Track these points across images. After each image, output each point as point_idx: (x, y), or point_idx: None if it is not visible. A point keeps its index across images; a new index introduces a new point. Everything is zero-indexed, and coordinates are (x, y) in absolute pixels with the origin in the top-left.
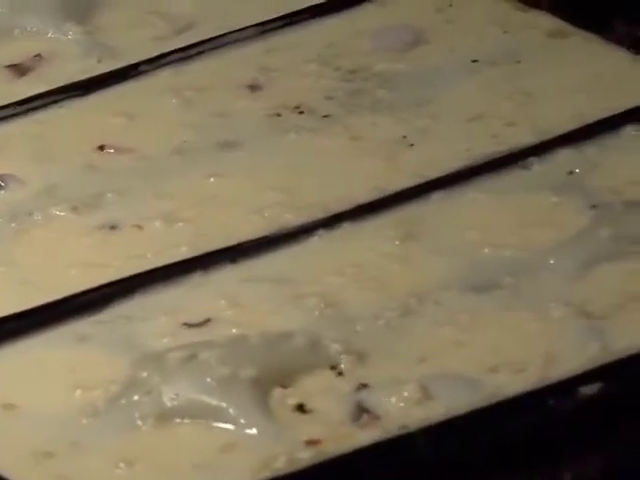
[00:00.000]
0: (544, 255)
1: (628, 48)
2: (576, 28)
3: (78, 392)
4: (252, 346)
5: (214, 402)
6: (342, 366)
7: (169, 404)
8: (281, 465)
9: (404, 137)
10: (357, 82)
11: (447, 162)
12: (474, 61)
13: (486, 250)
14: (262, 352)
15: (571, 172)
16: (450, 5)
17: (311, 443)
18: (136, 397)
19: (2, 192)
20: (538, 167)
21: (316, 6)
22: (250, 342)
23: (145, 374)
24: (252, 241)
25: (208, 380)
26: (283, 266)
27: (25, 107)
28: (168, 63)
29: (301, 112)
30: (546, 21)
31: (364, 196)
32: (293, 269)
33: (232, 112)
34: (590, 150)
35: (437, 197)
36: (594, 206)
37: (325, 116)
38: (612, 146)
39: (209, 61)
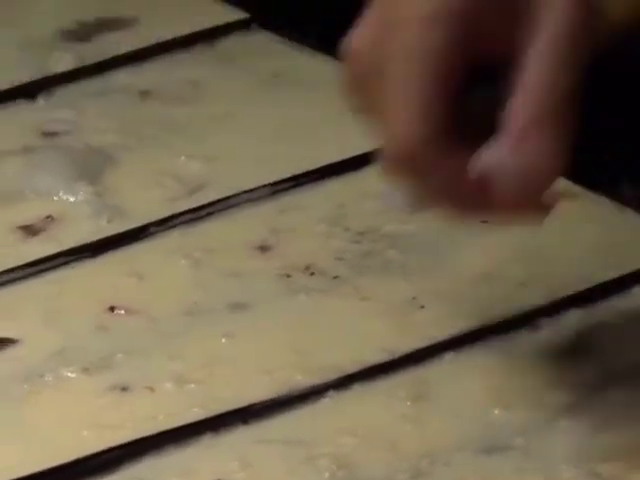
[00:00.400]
0: (555, 416)
1: (635, 209)
2: (584, 189)
3: None
4: None
5: None
6: None
7: None
8: None
9: (414, 298)
10: (366, 243)
11: (457, 323)
12: (484, 221)
13: (496, 411)
14: None
15: (580, 334)
16: None
17: None
18: None
19: (13, 354)
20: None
21: (326, 167)
22: None
23: None
24: (263, 402)
25: None
26: (294, 427)
27: (36, 268)
28: (178, 224)
29: (311, 273)
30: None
31: (374, 357)
32: (304, 430)
33: (242, 273)
34: (599, 311)
35: (448, 358)
36: (603, 369)
37: (335, 277)
38: (621, 308)
39: (219, 222)
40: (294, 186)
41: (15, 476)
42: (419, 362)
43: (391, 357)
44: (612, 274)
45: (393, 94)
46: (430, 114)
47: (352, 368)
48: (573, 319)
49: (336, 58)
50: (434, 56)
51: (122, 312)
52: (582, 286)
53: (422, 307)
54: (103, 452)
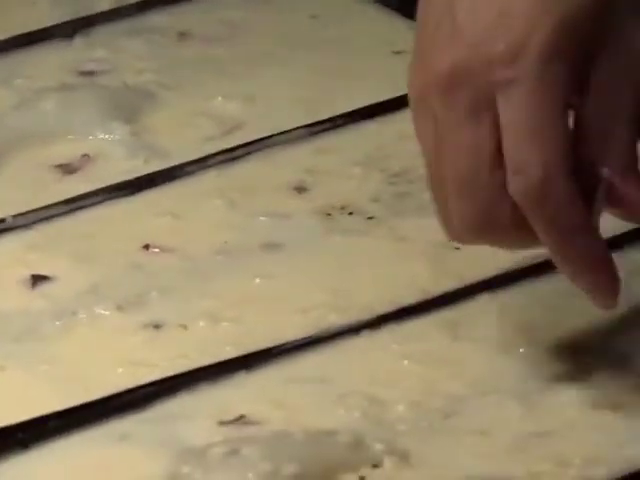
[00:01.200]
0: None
1: None
2: None
3: None
4: (294, 443)
5: None
6: (385, 465)
7: None
8: None
9: (450, 240)
10: (403, 185)
11: (491, 264)
12: None
13: (521, 350)
14: (305, 449)
15: None
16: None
17: None
18: None
19: (47, 291)
20: None
21: (363, 109)
22: (292, 439)
23: (186, 470)
24: (296, 341)
25: (250, 475)
26: (327, 366)
27: (71, 206)
28: (214, 164)
29: (348, 214)
30: None
31: (409, 298)
32: (337, 369)
33: (277, 213)
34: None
35: (482, 300)
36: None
37: (371, 218)
38: None
39: (256, 162)
40: (331, 127)
41: (48, 411)
42: (453, 303)
43: (425, 297)
44: None
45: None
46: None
47: (386, 308)
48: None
49: (374, 1)
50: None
51: (157, 250)
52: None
53: (457, 249)
54: (136, 389)
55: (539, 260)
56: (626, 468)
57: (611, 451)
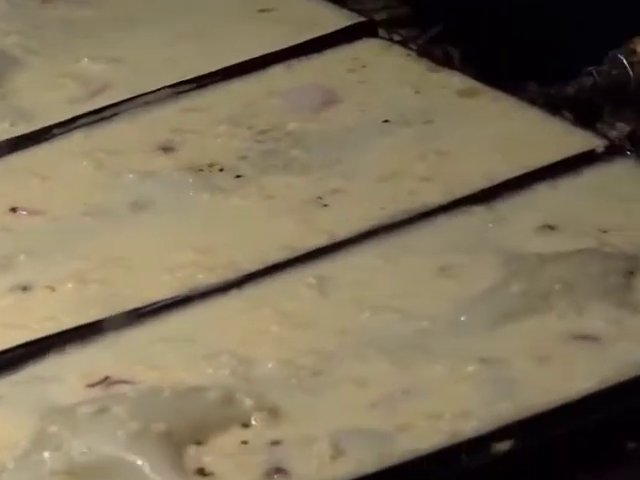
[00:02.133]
0: (457, 312)
1: (540, 107)
2: (488, 87)
3: None
4: (163, 401)
5: (125, 456)
6: (254, 423)
7: (79, 459)
8: None
9: (319, 198)
10: (270, 142)
11: (360, 222)
12: (385, 121)
13: (397, 316)
14: (173, 407)
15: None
16: (363, 66)
17: None
18: (46, 454)
19: None
20: (448, 225)
21: (228, 68)
22: (161, 397)
23: (54, 428)
24: (164, 300)
25: (119, 434)
26: (195, 325)
27: None
28: (81, 125)
29: (214, 172)
30: (457, 80)
31: (276, 255)
32: (205, 328)
33: (144, 173)
34: (501, 208)
35: (346, 256)
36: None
37: (238, 176)
38: (523, 203)
39: (122, 123)
40: (197, 87)
41: None
42: (320, 259)
43: (293, 254)
44: (514, 172)
45: None
46: None
47: (254, 266)
48: (475, 216)
49: None
50: None
51: (24, 213)
52: (484, 184)
53: (325, 206)
54: (6, 351)
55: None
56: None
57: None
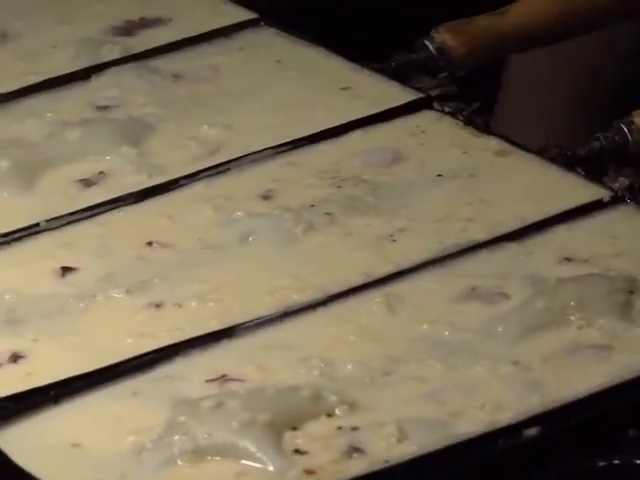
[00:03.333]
0: (494, 324)
1: (559, 165)
2: (518, 149)
3: (130, 435)
4: (268, 396)
5: (237, 441)
6: (337, 413)
7: (202, 443)
8: None
9: (389, 235)
10: (350, 191)
11: (422, 253)
12: (439, 175)
13: (448, 328)
14: (275, 401)
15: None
16: (422, 132)
17: (310, 472)
18: (176, 437)
19: (72, 279)
20: (489, 257)
21: (317, 133)
22: (266, 393)
23: (182, 418)
24: (266, 316)
25: (233, 424)
26: (290, 336)
27: (91, 212)
28: (202, 177)
29: (306, 214)
30: (494, 143)
31: (355, 280)
32: (298, 338)
33: (251, 214)
34: (530, 244)
35: (411, 280)
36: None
37: (326, 215)
38: (546, 241)
39: (234, 176)
40: (293, 148)
41: (75, 373)
42: (390, 284)
43: (368, 280)
44: (540, 215)
45: None
46: None
47: (337, 288)
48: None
49: (325, 48)
50: None
51: (157, 246)
52: (517, 225)
53: (394, 241)
54: (143, 355)
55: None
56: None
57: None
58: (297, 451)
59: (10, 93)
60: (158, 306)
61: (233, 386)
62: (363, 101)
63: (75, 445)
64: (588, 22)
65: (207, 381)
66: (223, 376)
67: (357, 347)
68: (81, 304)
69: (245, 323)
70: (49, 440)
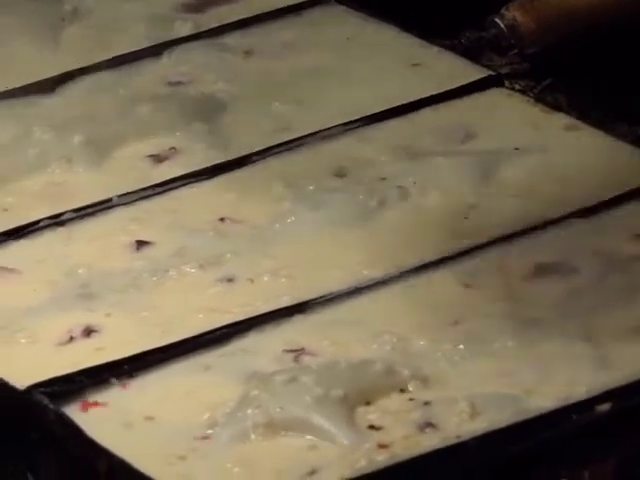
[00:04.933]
0: (567, 300)
1: (629, 143)
2: (587, 125)
3: (203, 408)
4: (340, 371)
5: (311, 416)
6: (410, 388)
7: (275, 417)
8: (362, 465)
9: (463, 211)
10: (424, 166)
11: (497, 229)
12: (511, 152)
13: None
14: (348, 376)
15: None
16: (493, 109)
17: (383, 447)
18: (249, 411)
19: (145, 253)
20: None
21: (389, 109)
22: (339, 368)
23: (256, 392)
24: (339, 291)
25: (306, 398)
26: (363, 311)
27: (163, 188)
28: (273, 154)
29: (378, 188)
30: (564, 120)
31: (428, 256)
32: (371, 313)
33: (324, 189)
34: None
35: (489, 254)
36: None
37: (399, 188)
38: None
39: (305, 152)
40: (364, 125)
41: (148, 348)
42: (463, 260)
43: (440, 255)
44: (611, 193)
45: None
46: None
47: (411, 264)
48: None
49: (395, 25)
50: None
51: (229, 222)
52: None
53: (466, 218)
54: (216, 330)
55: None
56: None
57: None
58: (371, 426)
59: (81, 69)
60: (230, 281)
61: (306, 360)
62: (433, 78)
63: (148, 418)
64: None
65: (280, 355)
66: (296, 350)
67: (430, 323)
68: (154, 278)
69: (317, 298)
70: (123, 413)
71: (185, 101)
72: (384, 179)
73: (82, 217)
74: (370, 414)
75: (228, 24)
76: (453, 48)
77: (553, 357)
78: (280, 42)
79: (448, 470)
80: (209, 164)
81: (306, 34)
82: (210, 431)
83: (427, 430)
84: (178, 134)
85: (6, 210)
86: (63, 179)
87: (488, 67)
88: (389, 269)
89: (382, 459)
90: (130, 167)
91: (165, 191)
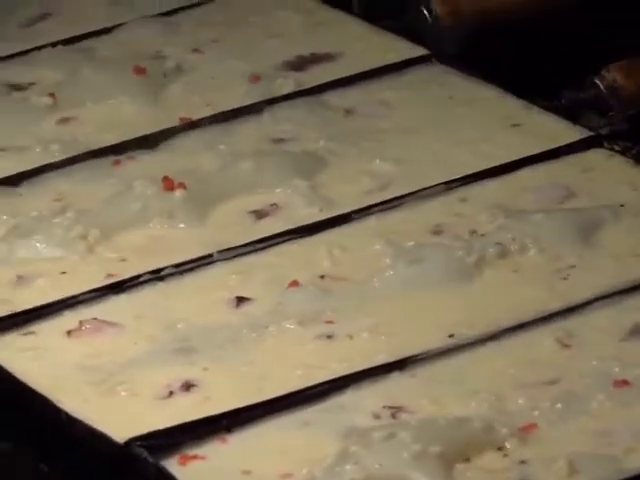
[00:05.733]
0: None
1: None
2: None
3: (302, 464)
4: (439, 428)
5: (409, 472)
6: (507, 446)
7: (373, 473)
8: None
9: (559, 270)
10: (524, 227)
11: (589, 290)
12: (609, 212)
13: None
14: (447, 433)
15: None
16: (592, 169)
17: None
18: (347, 467)
19: (245, 309)
20: None
21: (488, 169)
22: (437, 425)
23: (354, 448)
24: (437, 349)
25: (404, 455)
26: (460, 369)
27: (263, 244)
28: (373, 212)
29: (476, 246)
30: None
31: (526, 315)
32: (468, 371)
33: (421, 248)
34: None
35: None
36: None
37: (497, 247)
38: None
39: (404, 210)
40: (463, 184)
41: (247, 403)
42: (561, 319)
43: (539, 315)
44: None
45: None
46: None
47: (508, 323)
48: None
49: (495, 85)
50: None
51: (329, 278)
52: None
53: (564, 279)
54: (314, 386)
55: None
56: None
57: None
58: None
59: (184, 125)
60: (329, 337)
61: (404, 417)
62: (533, 138)
63: (246, 472)
64: None
65: (378, 412)
66: (394, 407)
67: (527, 381)
68: (253, 334)
69: (416, 356)
70: (221, 467)
71: (286, 158)
72: (483, 236)
73: (182, 272)
74: (468, 471)
75: (329, 82)
76: (553, 109)
77: None
78: (380, 100)
79: None
80: (310, 221)
81: (407, 93)
82: None
83: None
84: (279, 190)
85: (108, 264)
86: (164, 234)
87: (588, 128)
88: (487, 327)
89: None
90: (231, 223)
91: (265, 247)
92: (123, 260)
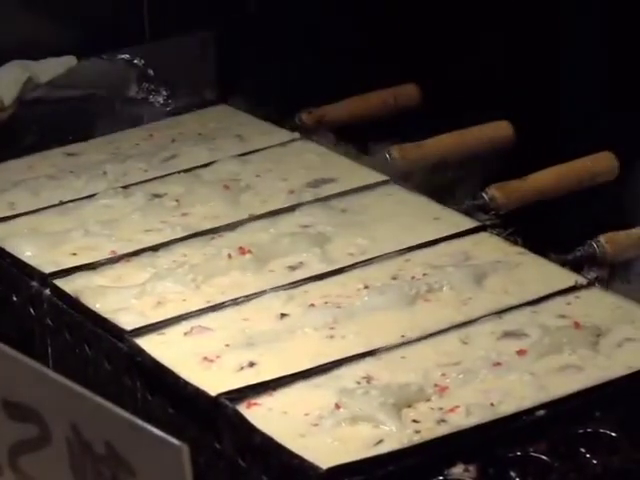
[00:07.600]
0: None
1: None
2: None
3: (315, 408)
4: (394, 389)
5: (376, 413)
6: (432, 399)
7: (357, 414)
8: None
9: (462, 300)
10: None
11: None
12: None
13: None
14: (398, 391)
15: None
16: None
17: None
18: (341, 410)
19: (285, 321)
20: None
21: (419, 244)
22: (392, 387)
23: (345, 400)
24: (393, 344)
25: (374, 403)
26: (407, 356)
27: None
28: (357, 267)
29: (413, 285)
30: None
31: (443, 325)
32: (411, 357)
33: (385, 284)
34: None
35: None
36: None
37: (426, 284)
38: None
39: (376, 266)
40: (408, 251)
41: (284, 374)
42: (465, 326)
43: (450, 325)
44: None
45: None
46: None
47: (434, 329)
48: None
49: None
50: None
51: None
52: None
53: (465, 304)
54: (323, 364)
55: None
56: None
57: None
58: None
59: (251, 217)
60: (331, 337)
61: (374, 383)
62: (448, 227)
63: (284, 412)
64: None
65: (359, 380)
66: (368, 377)
67: (443, 362)
68: (290, 335)
69: (382, 347)
70: (269, 410)
71: (305, 236)
72: (419, 279)
73: (250, 299)
74: (410, 412)
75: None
76: (463, 211)
77: None
78: None
79: None
80: (321, 271)
81: None
82: None
83: None
84: (304, 255)
85: (207, 296)
86: (238, 280)
87: (478, 220)
88: (422, 332)
89: None
90: (276, 273)
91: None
92: (216, 293)
